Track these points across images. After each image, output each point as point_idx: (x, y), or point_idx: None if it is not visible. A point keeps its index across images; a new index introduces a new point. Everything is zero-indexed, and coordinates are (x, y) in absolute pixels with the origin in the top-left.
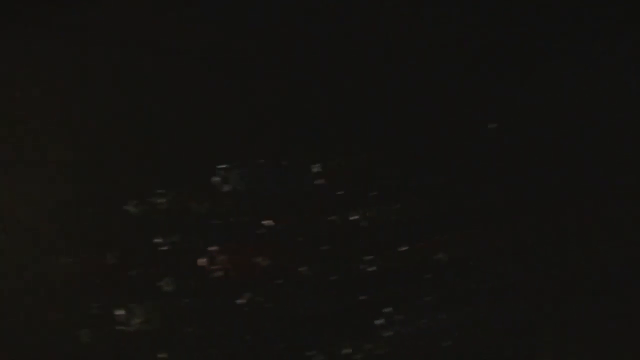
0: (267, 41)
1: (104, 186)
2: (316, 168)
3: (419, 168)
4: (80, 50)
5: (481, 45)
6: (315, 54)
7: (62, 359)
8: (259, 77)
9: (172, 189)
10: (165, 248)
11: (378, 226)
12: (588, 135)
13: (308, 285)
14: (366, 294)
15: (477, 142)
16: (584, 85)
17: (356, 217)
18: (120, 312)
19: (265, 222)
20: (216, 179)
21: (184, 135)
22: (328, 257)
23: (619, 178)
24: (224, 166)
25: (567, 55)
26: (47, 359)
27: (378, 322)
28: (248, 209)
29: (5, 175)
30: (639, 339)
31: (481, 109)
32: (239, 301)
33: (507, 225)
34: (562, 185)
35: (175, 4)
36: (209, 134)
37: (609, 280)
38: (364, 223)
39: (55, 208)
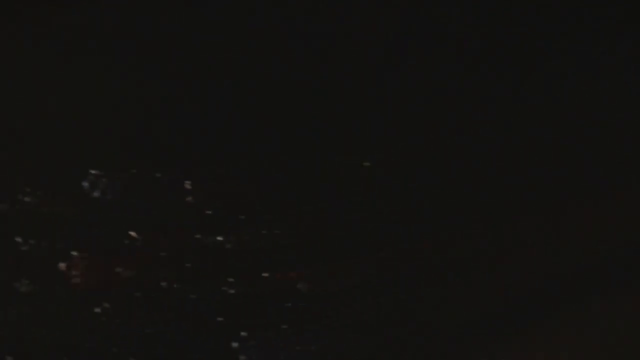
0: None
1: None
2: (188, 185)
3: (290, 198)
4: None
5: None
6: (215, 60)
7: None
8: (141, 86)
9: (39, 188)
10: (25, 248)
11: (243, 250)
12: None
13: (167, 301)
14: (224, 316)
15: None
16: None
17: (222, 238)
18: None
19: (131, 233)
20: (86, 183)
21: (60, 134)
22: (190, 275)
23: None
24: (95, 171)
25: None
26: None
27: (234, 345)
28: (115, 217)
29: None
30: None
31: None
32: (96, 309)
33: (372, 261)
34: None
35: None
36: (84, 137)
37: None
38: (229, 245)
39: None
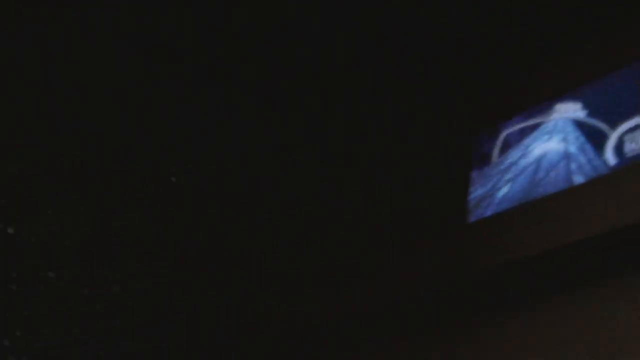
0: None
1: None
2: None
3: (104, 196)
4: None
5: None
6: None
7: None
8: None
9: None
10: None
11: (33, 246)
12: None
13: None
14: (1, 312)
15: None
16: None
17: (12, 231)
18: None
19: None
20: None
21: None
22: None
23: None
24: None
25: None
26: None
27: (5, 343)
28: None
29: None
30: None
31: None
32: None
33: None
34: None
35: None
36: None
37: None
38: (19, 239)
39: None
